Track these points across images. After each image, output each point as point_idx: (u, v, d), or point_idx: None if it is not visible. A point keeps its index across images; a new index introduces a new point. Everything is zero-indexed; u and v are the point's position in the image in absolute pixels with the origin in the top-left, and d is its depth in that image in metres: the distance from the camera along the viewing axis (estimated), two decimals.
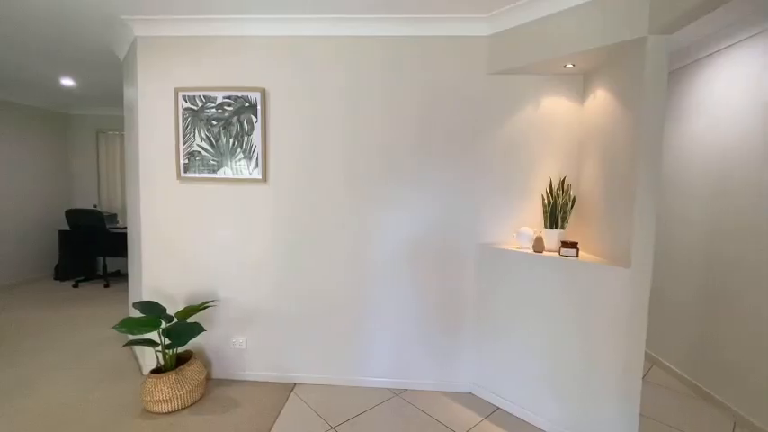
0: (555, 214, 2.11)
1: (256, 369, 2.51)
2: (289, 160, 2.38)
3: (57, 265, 4.91)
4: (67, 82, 3.85)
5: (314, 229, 2.40)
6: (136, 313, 2.45)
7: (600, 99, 2.05)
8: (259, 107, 2.33)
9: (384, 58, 2.29)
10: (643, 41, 1.70)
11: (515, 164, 2.30)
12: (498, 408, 2.25)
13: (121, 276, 5.09)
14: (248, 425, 2.03)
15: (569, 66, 2.08)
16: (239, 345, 2.50)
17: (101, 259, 5.19)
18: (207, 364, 2.51)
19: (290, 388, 2.42)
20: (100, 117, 5.25)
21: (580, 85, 2.24)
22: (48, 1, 2.12)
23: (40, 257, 4.98)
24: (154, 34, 2.35)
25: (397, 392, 2.40)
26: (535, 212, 2.31)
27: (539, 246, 2.07)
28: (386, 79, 2.30)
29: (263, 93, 2.33)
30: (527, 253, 2.07)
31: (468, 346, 2.39)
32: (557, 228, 2.11)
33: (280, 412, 2.16)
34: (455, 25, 2.21)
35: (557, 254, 2.03)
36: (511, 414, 2.19)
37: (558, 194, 2.12)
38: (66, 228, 4.87)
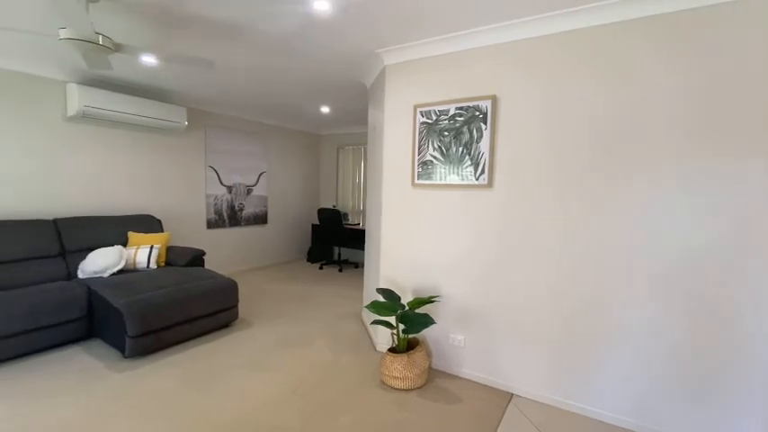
0: None
1: (473, 369, 2.58)
2: (516, 165, 2.34)
3: (309, 251, 6.42)
4: (325, 110, 4.96)
5: (541, 235, 2.29)
6: (374, 296, 2.91)
7: None
8: (489, 114, 2.39)
9: (621, 46, 1.96)
10: None
11: None
12: None
13: (349, 264, 6.22)
14: (471, 423, 2.11)
15: None
16: (457, 342, 2.62)
17: (336, 249, 6.51)
18: (428, 354, 2.74)
19: (507, 397, 2.38)
20: (340, 135, 6.56)
21: None
22: (325, 48, 2.77)
23: (299, 244, 6.61)
24: (399, 61, 2.74)
25: None
26: None
27: None
28: (627, 69, 1.96)
29: (494, 100, 2.37)
30: None
31: (763, 406, 1.78)
32: None
33: (500, 420, 2.15)
34: None
35: None
36: None
37: None
38: (316, 222, 6.30)
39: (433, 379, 2.59)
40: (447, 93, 2.56)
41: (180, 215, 4.75)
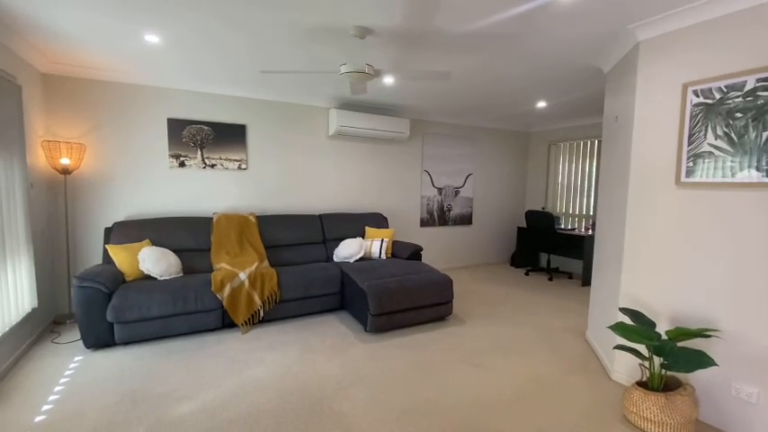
0: None
1: None
2: None
3: (513, 255, 6.16)
4: (541, 104, 4.63)
5: None
6: (607, 314, 2.49)
7: None
8: None
9: None
10: None
11: None
12: None
13: (561, 273, 5.62)
14: None
15: None
16: (745, 395, 1.95)
17: (544, 255, 6.02)
18: (694, 402, 2.15)
19: None
20: (552, 131, 6.02)
21: None
22: (559, 36, 2.53)
23: (502, 247, 6.44)
24: (659, 33, 2.24)
25: None
26: None
27: None
28: None
29: None
30: None
31: None
32: None
33: None
34: None
35: None
36: None
37: None
38: (522, 225, 5.99)
39: None
40: (739, 62, 1.92)
41: (399, 214, 5.39)
